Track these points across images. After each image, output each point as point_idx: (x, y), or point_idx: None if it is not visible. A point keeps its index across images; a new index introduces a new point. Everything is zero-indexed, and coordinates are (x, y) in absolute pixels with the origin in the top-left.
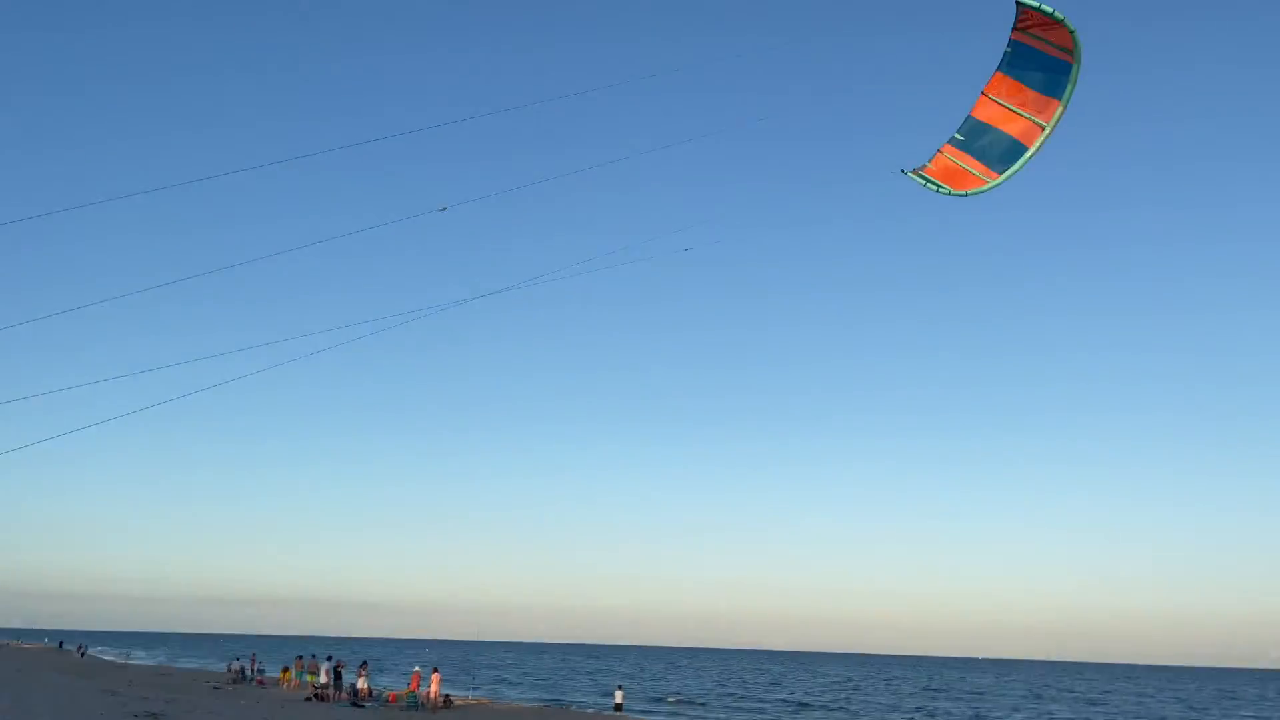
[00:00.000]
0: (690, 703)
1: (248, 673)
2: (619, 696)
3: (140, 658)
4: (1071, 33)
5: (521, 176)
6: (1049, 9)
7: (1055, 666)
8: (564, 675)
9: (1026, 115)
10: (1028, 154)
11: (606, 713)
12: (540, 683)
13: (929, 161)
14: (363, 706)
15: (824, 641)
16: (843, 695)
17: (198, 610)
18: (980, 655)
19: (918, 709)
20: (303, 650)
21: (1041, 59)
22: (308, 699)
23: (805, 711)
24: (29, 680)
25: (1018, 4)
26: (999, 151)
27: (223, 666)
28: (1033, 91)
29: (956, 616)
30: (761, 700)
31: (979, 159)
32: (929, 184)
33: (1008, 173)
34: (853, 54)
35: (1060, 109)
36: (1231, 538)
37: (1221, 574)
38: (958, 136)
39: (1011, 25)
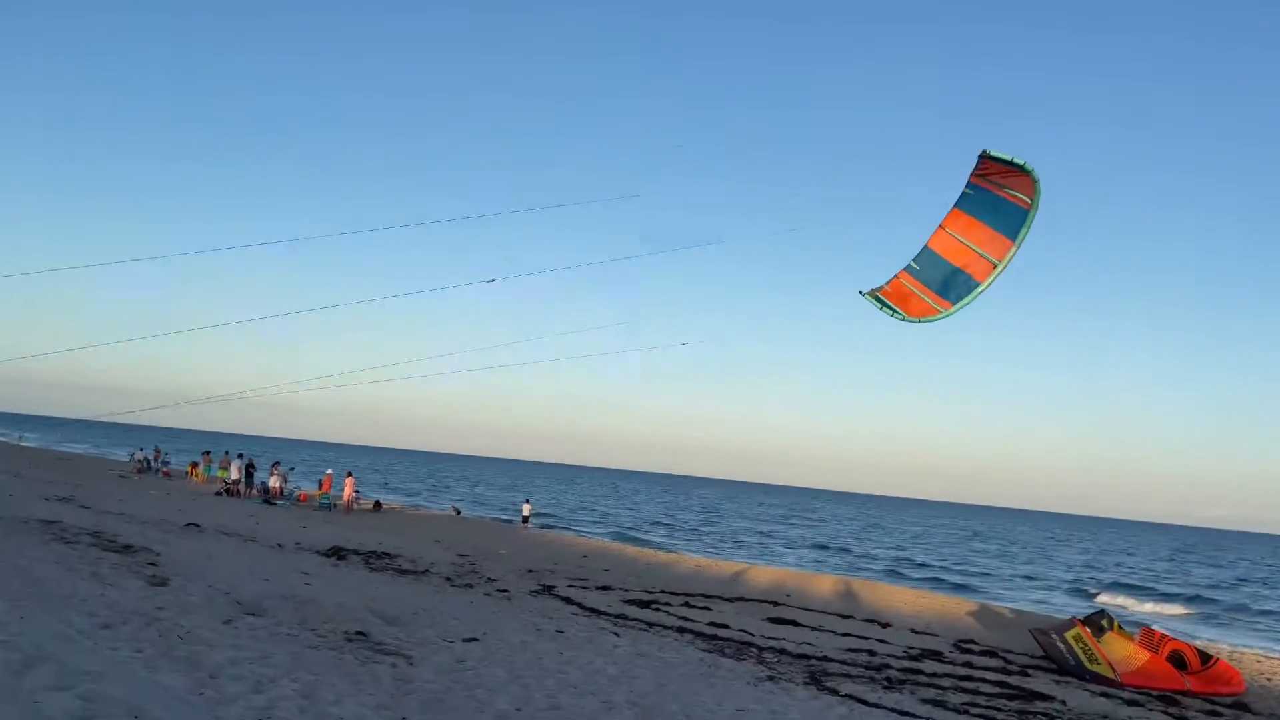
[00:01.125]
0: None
1: (152, 464)
2: (526, 510)
3: (33, 440)
4: (1035, 182)
5: None
6: (1019, 161)
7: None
8: (442, 484)
9: (980, 252)
10: (979, 289)
11: (515, 523)
12: (431, 491)
13: (886, 284)
14: (275, 504)
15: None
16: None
17: (68, 396)
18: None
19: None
20: (204, 445)
21: (999, 202)
22: (218, 494)
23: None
24: None
25: (981, 155)
26: (952, 284)
27: (119, 455)
28: (989, 229)
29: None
30: (605, 515)
31: (931, 288)
32: (884, 307)
33: (959, 305)
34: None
35: (1014, 249)
36: None
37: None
38: (914, 265)
39: (973, 169)
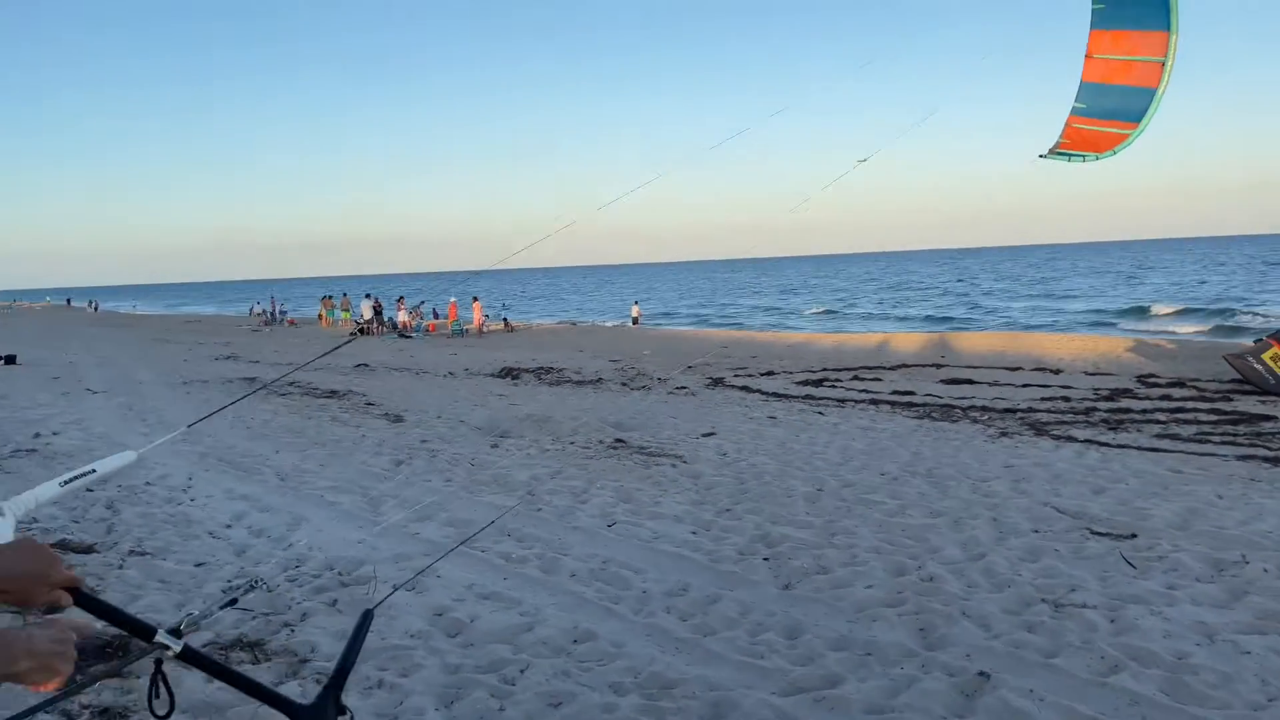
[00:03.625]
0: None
1: (276, 315)
2: (635, 311)
3: (146, 309)
4: None
5: None
6: None
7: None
8: (562, 295)
9: (1140, 59)
10: (1157, 95)
11: (627, 326)
12: (553, 305)
13: (1060, 138)
14: (409, 337)
15: None
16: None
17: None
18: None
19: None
20: (313, 291)
21: (1131, 2)
22: (352, 334)
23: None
24: (79, 333)
25: None
26: (1127, 104)
27: (233, 311)
28: (1136, 33)
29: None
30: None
31: (1110, 118)
32: (1074, 158)
33: (1145, 119)
34: None
35: (1173, 38)
36: None
37: None
38: (1078, 105)
39: None
